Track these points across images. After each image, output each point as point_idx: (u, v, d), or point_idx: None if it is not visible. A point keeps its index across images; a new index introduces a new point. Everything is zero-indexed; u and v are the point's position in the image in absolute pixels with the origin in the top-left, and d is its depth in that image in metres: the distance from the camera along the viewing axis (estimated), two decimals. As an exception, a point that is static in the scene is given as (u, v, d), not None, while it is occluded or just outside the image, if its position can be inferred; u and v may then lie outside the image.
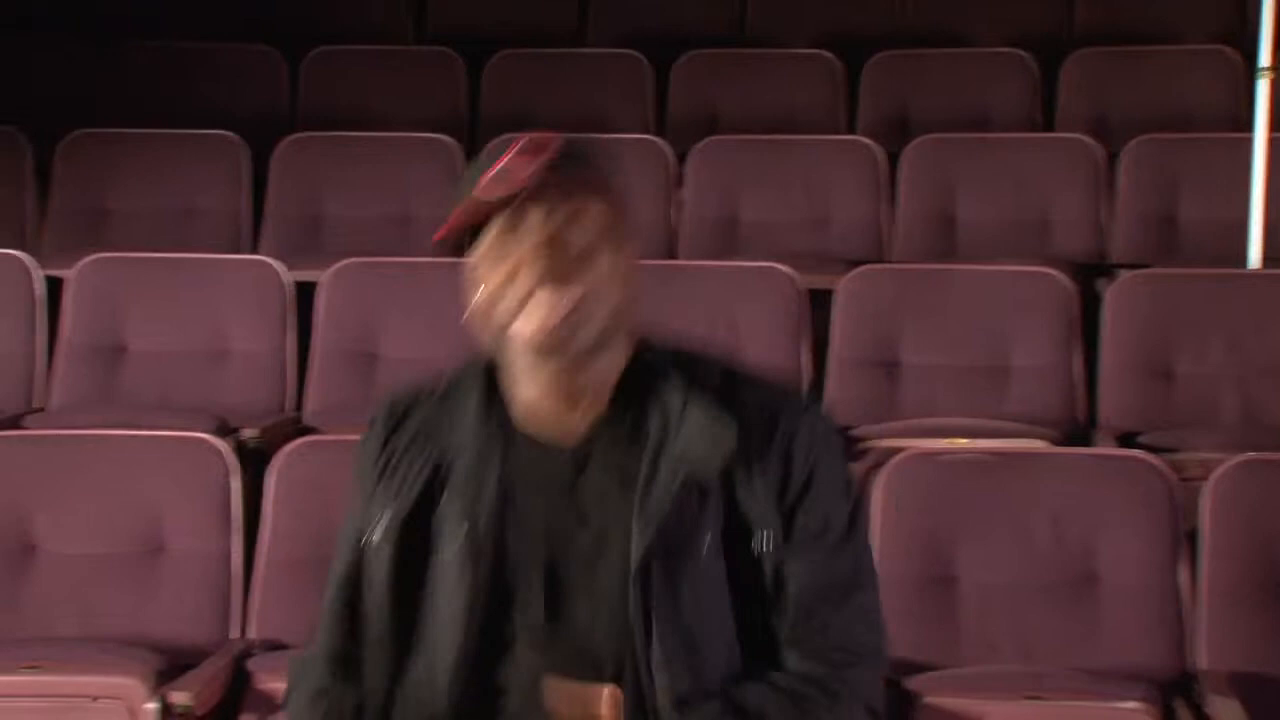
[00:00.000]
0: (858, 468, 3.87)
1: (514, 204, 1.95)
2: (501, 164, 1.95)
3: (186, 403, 4.77)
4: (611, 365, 2.05)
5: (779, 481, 2.04)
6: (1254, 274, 5.04)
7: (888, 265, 5.33)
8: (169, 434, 4.26)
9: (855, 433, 4.31)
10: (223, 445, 4.15)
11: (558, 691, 1.97)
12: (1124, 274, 5.03)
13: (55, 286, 5.07)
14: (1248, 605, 3.79)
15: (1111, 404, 4.73)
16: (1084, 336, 4.80)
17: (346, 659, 2.14)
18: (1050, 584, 3.80)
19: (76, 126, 5.83)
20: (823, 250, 5.43)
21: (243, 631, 4.00)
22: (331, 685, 2.16)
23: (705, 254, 5.47)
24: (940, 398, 4.58)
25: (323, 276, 5.03)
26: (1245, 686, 3.56)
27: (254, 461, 4.22)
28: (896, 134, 5.88)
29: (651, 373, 2.08)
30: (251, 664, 3.77)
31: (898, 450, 4.01)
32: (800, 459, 2.05)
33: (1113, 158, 5.64)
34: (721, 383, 2.09)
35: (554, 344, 1.98)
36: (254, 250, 5.55)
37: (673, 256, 5.51)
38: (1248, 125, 5.18)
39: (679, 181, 5.74)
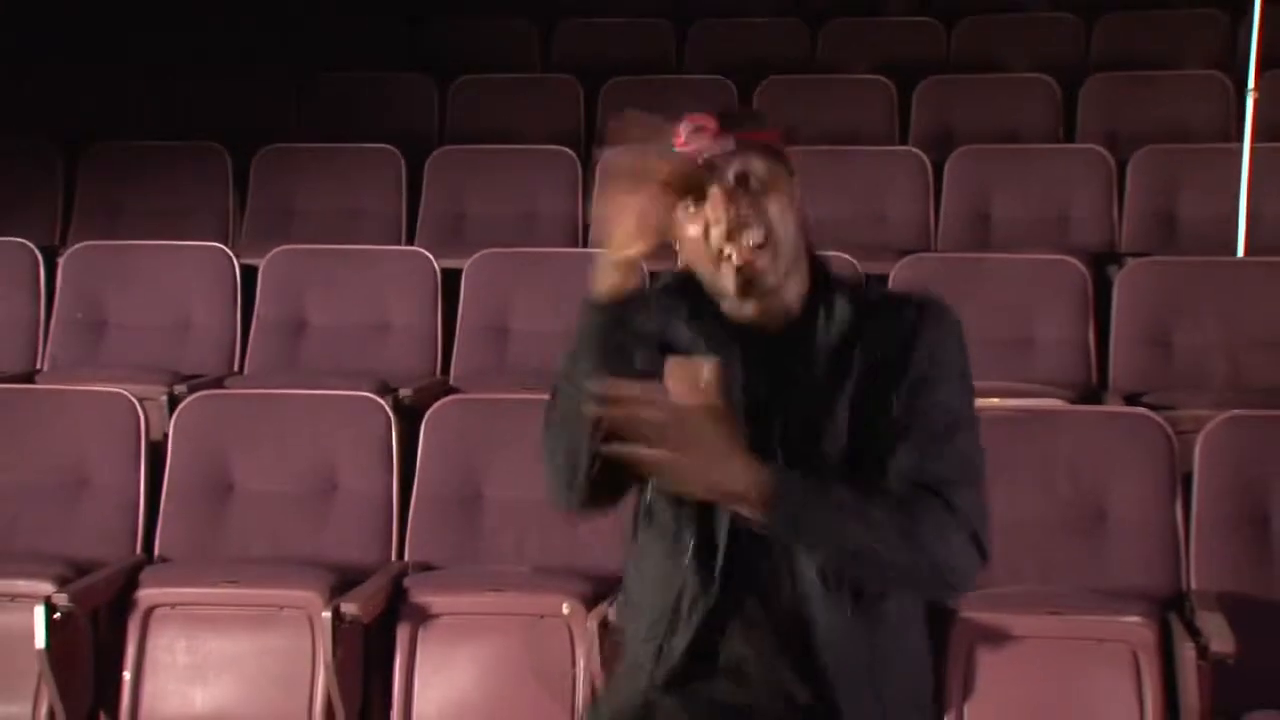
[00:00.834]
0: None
1: (703, 164, 2.05)
2: (686, 131, 2.06)
3: (354, 368, 4.87)
4: (796, 290, 2.15)
5: (918, 355, 2.11)
6: (1240, 261, 5.07)
7: (934, 254, 5.37)
8: (340, 393, 4.37)
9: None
10: (384, 402, 4.25)
11: (673, 367, 2.03)
12: (1131, 261, 5.06)
13: (250, 273, 5.18)
14: (1231, 537, 3.82)
15: (1120, 369, 4.76)
16: (1097, 314, 4.82)
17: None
18: (1066, 519, 3.86)
19: (269, 142, 5.93)
20: (879, 242, 5.43)
21: (399, 555, 4.08)
22: None
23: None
24: (976, 365, 4.49)
25: (465, 264, 5.14)
26: (1228, 603, 3.59)
27: (409, 416, 4.29)
28: (942, 145, 5.90)
29: (823, 290, 2.16)
30: (407, 582, 3.86)
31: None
32: (938, 352, 2.13)
33: (1122, 165, 5.64)
34: (868, 290, 2.25)
35: (755, 275, 2.07)
36: (410, 243, 5.64)
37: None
38: (1237, 137, 5.21)
39: None
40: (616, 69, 6.42)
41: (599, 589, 3.67)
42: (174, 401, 4.41)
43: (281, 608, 3.76)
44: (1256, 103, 5.10)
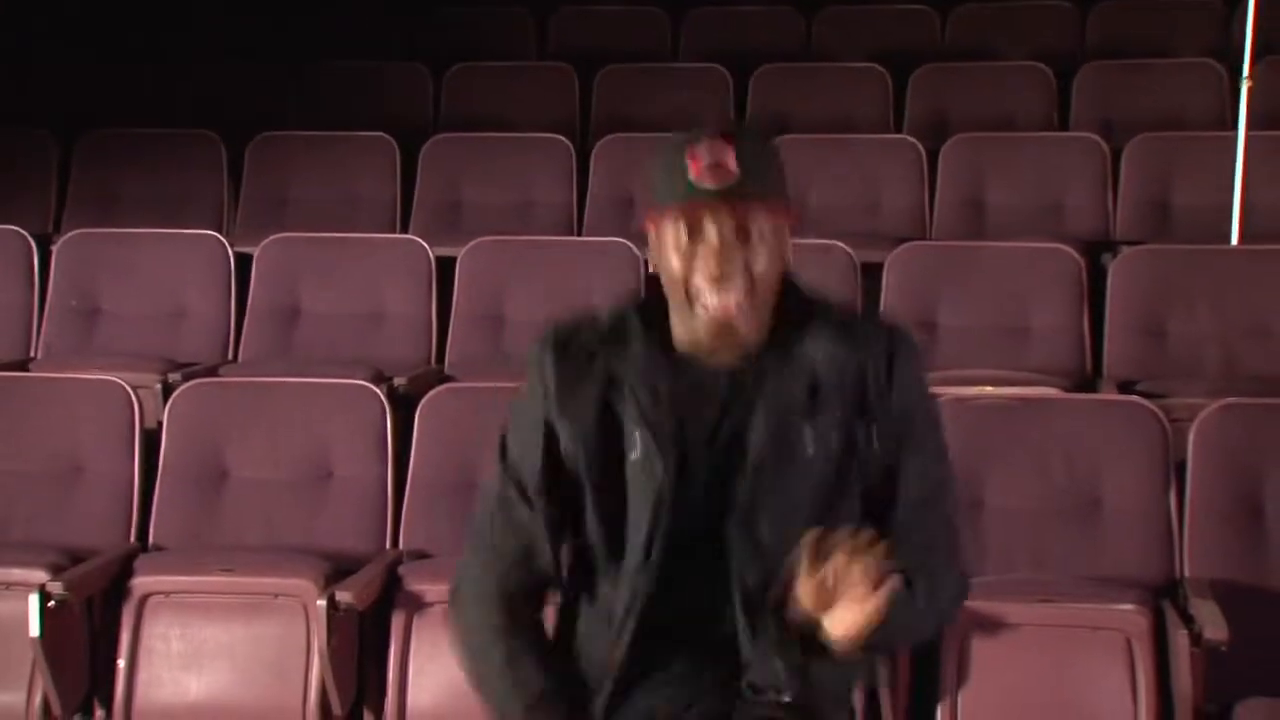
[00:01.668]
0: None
1: (721, 196, 2.02)
2: (702, 160, 2.02)
3: (349, 356, 4.85)
4: (765, 321, 2.12)
5: (890, 408, 2.11)
6: (1234, 250, 5.05)
7: (929, 242, 5.35)
8: (335, 381, 4.36)
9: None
10: (378, 391, 4.24)
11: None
12: (1125, 250, 5.06)
13: (245, 261, 5.16)
14: (1225, 525, 3.83)
15: (1114, 358, 4.75)
16: (1091, 302, 4.82)
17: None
18: (1060, 508, 3.85)
19: (264, 129, 5.92)
20: (874, 230, 5.43)
21: (394, 543, 4.08)
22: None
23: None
24: (970, 353, 4.57)
25: (460, 252, 5.11)
26: (1222, 591, 3.59)
27: (404, 404, 4.28)
28: (937, 133, 5.90)
29: (792, 317, 2.14)
30: (402, 570, 3.86)
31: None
32: (906, 379, 2.12)
33: (1117, 153, 5.64)
34: (845, 322, 2.18)
35: (729, 327, 2.06)
36: (404, 230, 5.63)
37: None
38: (1231, 125, 5.21)
39: None
40: (611, 57, 6.40)
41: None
42: (168, 390, 4.39)
43: (276, 596, 3.76)
44: (1251, 91, 5.09)
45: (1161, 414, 3.95)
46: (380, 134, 5.88)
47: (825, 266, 4.79)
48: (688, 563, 2.09)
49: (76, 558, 3.88)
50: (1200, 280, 4.87)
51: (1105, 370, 4.71)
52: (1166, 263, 4.95)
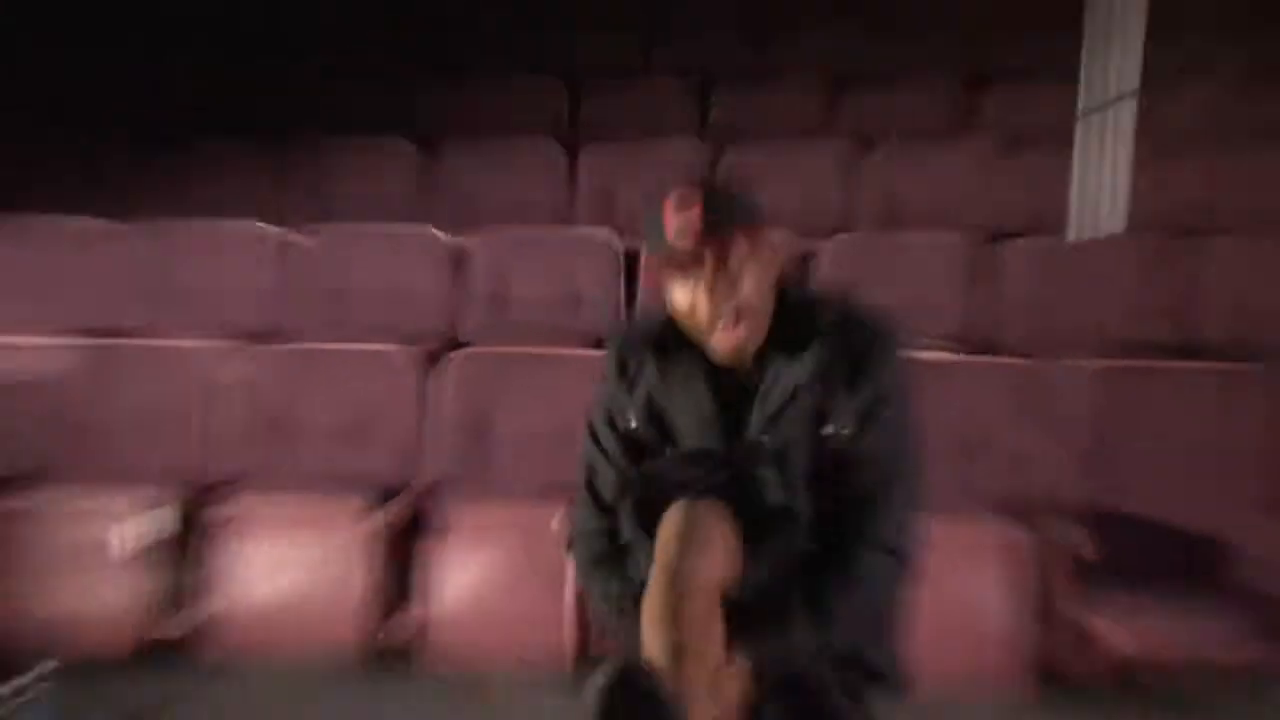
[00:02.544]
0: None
1: (693, 250, 2.17)
2: (673, 216, 2.18)
3: (388, 325, 4.90)
4: (765, 325, 2.26)
5: (861, 398, 2.23)
6: (1104, 241, 5.03)
7: (856, 234, 5.23)
8: (377, 347, 4.43)
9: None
10: (412, 354, 4.36)
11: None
12: (1015, 242, 5.04)
13: (291, 248, 5.13)
14: (1091, 461, 3.96)
15: (1005, 327, 4.85)
16: (989, 288, 4.91)
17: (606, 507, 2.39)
18: (959, 449, 4.00)
19: (299, 137, 5.83)
20: (810, 223, 5.38)
21: (423, 476, 4.21)
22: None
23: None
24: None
25: (473, 242, 5.16)
26: (1089, 512, 3.80)
27: (430, 363, 4.37)
28: (864, 139, 5.82)
29: (791, 317, 2.27)
30: (430, 497, 4.00)
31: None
32: (877, 382, 2.23)
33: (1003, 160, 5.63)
34: (834, 321, 2.29)
35: (734, 356, 2.25)
36: (423, 220, 5.49)
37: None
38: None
39: (715, 164, 5.71)
40: (598, 72, 6.37)
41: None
42: (236, 353, 4.47)
43: (334, 516, 3.86)
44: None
45: (1043, 373, 4.06)
46: (402, 140, 5.83)
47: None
48: None
49: (166, 489, 4.00)
50: (1076, 264, 4.92)
51: (997, 338, 4.80)
52: (1047, 252, 4.98)
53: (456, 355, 4.35)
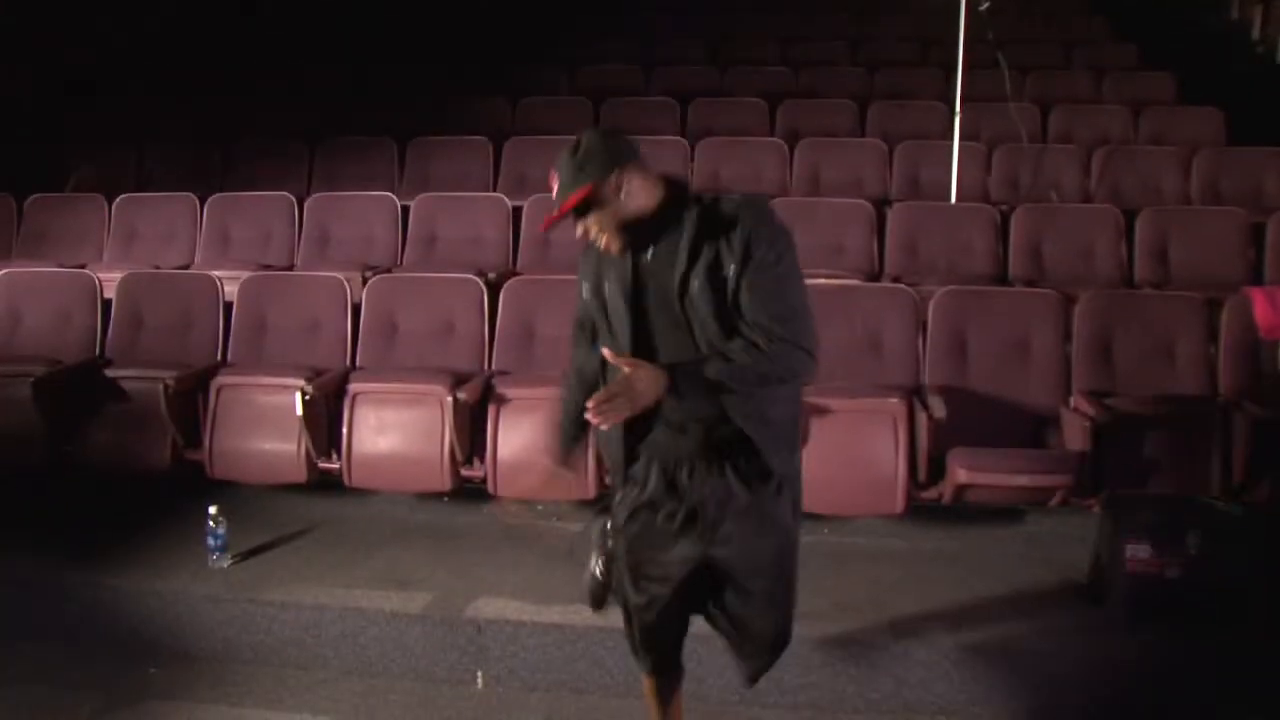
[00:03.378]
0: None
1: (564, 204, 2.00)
2: (554, 189, 2.02)
3: (463, 260, 4.54)
4: (649, 224, 2.01)
5: (743, 249, 1.95)
6: (952, 205, 4.75)
7: (791, 198, 4.87)
8: (455, 275, 4.09)
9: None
10: (479, 281, 4.02)
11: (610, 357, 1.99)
12: (898, 204, 4.74)
13: (405, 210, 4.88)
14: (945, 355, 3.68)
15: (890, 263, 4.50)
16: (878, 233, 4.57)
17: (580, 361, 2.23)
18: (860, 347, 3.70)
19: (416, 135, 5.57)
20: (758, 190, 4.84)
21: (489, 366, 3.89)
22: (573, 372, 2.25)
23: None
24: (814, 261, 4.08)
25: (526, 203, 4.80)
26: (943, 391, 3.51)
27: (494, 287, 4.03)
28: (795, 139, 5.42)
29: (674, 207, 2.02)
30: (493, 381, 3.66)
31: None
32: (754, 235, 1.95)
33: (891, 151, 5.25)
34: (711, 202, 2.02)
35: (612, 246, 2.02)
36: (494, 190, 5.27)
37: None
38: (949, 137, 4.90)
39: (691, 158, 5.30)
40: (611, 92, 6.05)
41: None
42: (365, 281, 4.15)
43: (425, 395, 3.58)
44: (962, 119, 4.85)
45: (915, 295, 3.78)
46: (481, 138, 5.54)
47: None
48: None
49: (319, 373, 3.72)
50: (936, 222, 4.61)
51: (885, 270, 4.50)
52: (915, 212, 4.67)
53: (511, 282, 4.05)
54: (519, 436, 3.55)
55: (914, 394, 3.49)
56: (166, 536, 3.47)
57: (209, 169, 5.50)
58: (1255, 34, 6.82)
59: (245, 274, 4.21)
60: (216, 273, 4.21)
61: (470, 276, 4.06)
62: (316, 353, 3.95)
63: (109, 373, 3.77)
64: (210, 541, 3.31)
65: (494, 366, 3.90)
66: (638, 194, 2.00)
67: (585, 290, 2.13)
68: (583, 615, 2.91)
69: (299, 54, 6.65)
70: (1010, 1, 5.17)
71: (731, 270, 1.94)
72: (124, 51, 6.80)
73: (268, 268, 4.54)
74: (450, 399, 3.50)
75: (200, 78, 6.36)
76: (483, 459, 3.59)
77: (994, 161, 5.16)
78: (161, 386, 3.62)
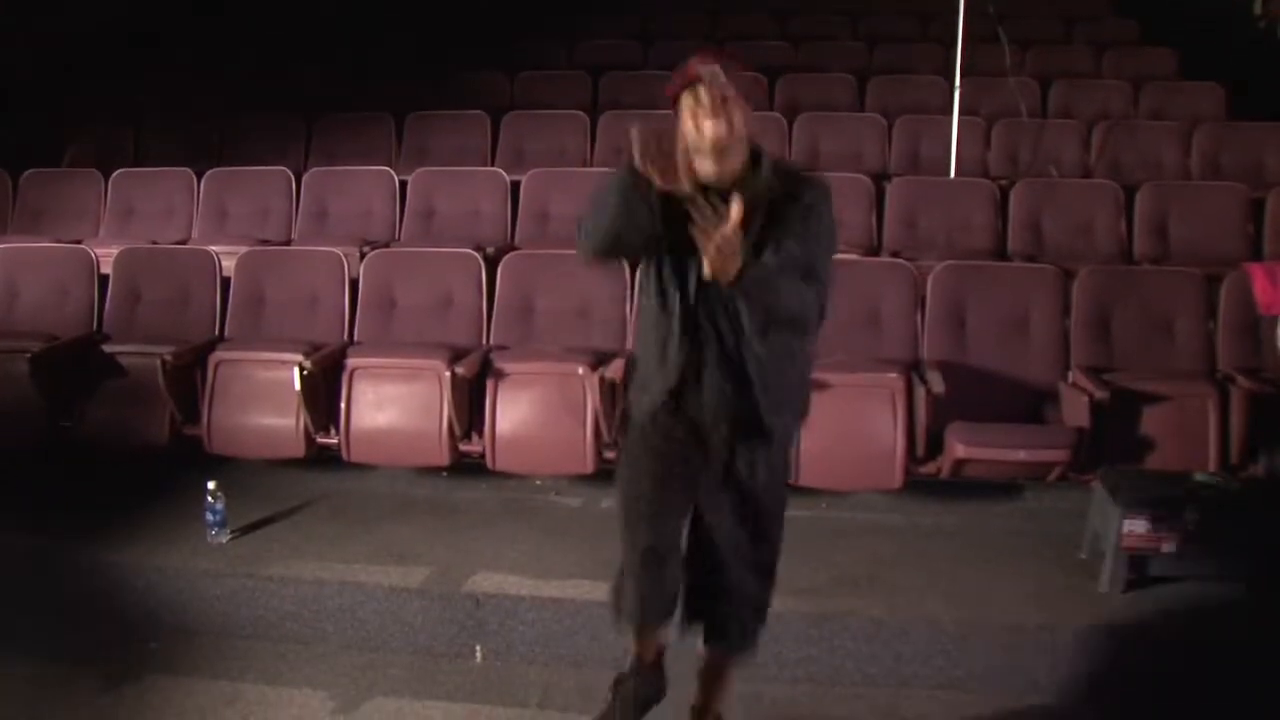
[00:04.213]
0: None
1: (705, 79, 1.98)
2: (704, 66, 1.99)
3: (461, 235, 4.49)
4: (740, 162, 2.02)
5: (801, 216, 2.03)
6: (951, 180, 4.70)
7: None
8: (453, 250, 4.03)
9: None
10: (478, 255, 3.96)
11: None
12: (896, 179, 4.66)
13: (404, 185, 4.80)
14: (944, 330, 3.65)
15: (889, 238, 4.44)
16: (877, 209, 4.50)
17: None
18: (859, 321, 3.65)
19: (414, 110, 5.49)
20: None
21: (487, 341, 3.84)
22: None
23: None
24: None
25: (524, 177, 4.73)
26: (941, 366, 3.47)
27: (492, 261, 3.97)
28: (794, 112, 5.33)
29: (755, 163, 2.04)
30: (491, 356, 3.60)
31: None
32: (813, 209, 2.04)
33: (890, 127, 5.17)
34: (784, 170, 2.08)
35: (716, 154, 1.98)
36: (492, 165, 5.20)
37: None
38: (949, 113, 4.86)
39: None
40: (613, 67, 5.95)
41: (601, 361, 3.49)
42: (363, 255, 4.10)
43: (423, 369, 3.54)
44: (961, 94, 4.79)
45: (914, 269, 3.73)
46: (479, 112, 5.44)
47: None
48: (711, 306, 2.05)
49: (317, 348, 3.66)
50: (935, 196, 4.54)
51: (885, 245, 4.43)
52: (915, 187, 4.60)
53: (510, 256, 3.98)
54: (517, 411, 3.50)
55: (912, 369, 3.45)
56: (165, 512, 3.43)
57: (206, 144, 5.43)
58: (1256, 8, 6.73)
59: (243, 249, 4.16)
60: (214, 248, 4.15)
61: (468, 251, 3.99)
62: (315, 328, 3.89)
63: (106, 348, 3.73)
64: (209, 517, 3.28)
65: (492, 341, 3.84)
66: (744, 132, 2.04)
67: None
68: (581, 589, 2.93)
69: (297, 28, 6.55)
70: (1010, -24, 5.09)
71: (786, 229, 2.01)
72: (120, 25, 6.69)
73: (265, 243, 4.48)
74: (448, 374, 3.44)
75: (198, 52, 6.27)
76: (481, 434, 3.54)
77: (993, 136, 5.10)
78: (159, 362, 3.57)
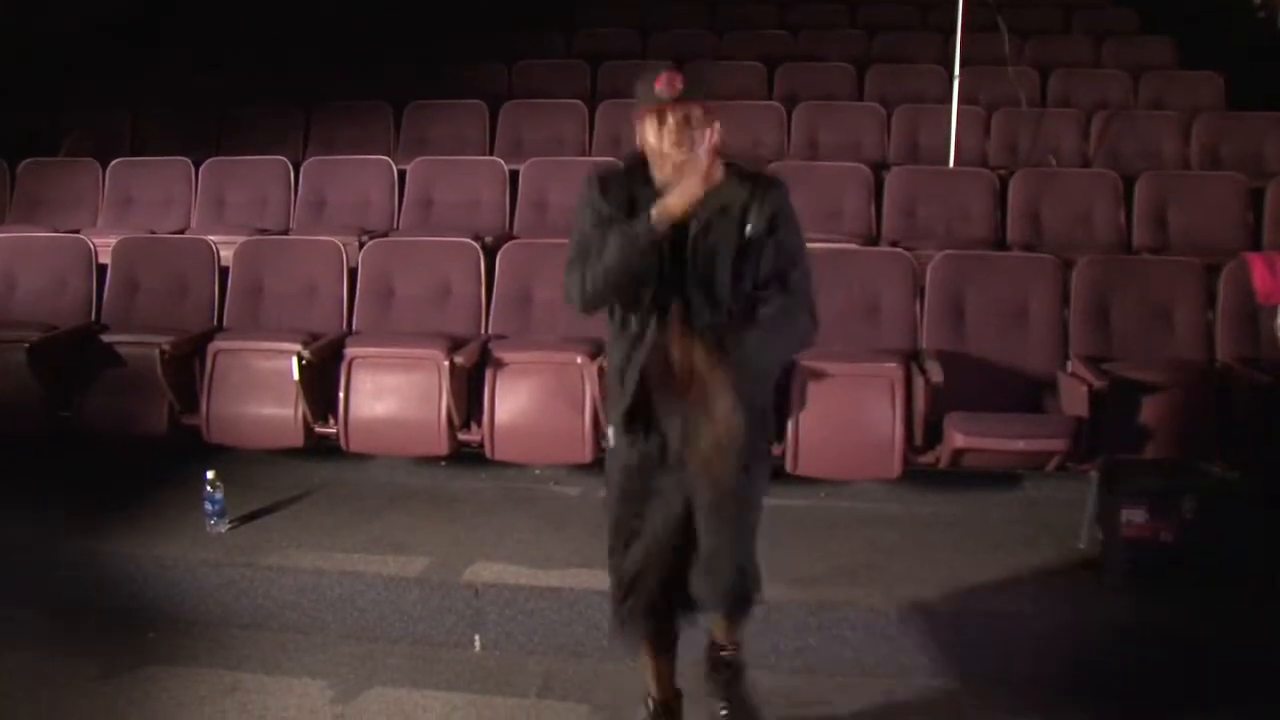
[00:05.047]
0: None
1: (670, 103, 2.01)
2: (663, 83, 2.01)
3: (460, 224, 4.44)
4: (715, 176, 2.06)
5: (768, 218, 2.09)
6: (950, 169, 4.65)
7: (789, 161, 4.77)
8: (452, 239, 4.00)
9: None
10: (476, 244, 3.92)
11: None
12: (895, 169, 4.62)
13: (402, 175, 4.75)
14: (943, 320, 3.62)
15: (888, 227, 4.40)
16: (876, 198, 4.46)
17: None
18: (858, 311, 3.63)
19: (412, 100, 5.45)
20: (757, 155, 4.90)
21: (486, 330, 3.81)
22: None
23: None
24: (811, 225, 4.14)
25: (523, 166, 4.69)
26: (939, 355, 3.44)
27: (491, 251, 3.93)
28: (794, 101, 5.31)
29: (725, 172, 2.08)
30: (490, 345, 3.58)
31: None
32: (778, 209, 2.10)
33: (888, 119, 5.15)
34: (749, 175, 2.13)
35: (685, 170, 2.02)
36: (490, 154, 5.14)
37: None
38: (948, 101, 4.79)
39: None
40: (609, 55, 5.90)
41: (599, 350, 3.41)
42: (361, 245, 4.05)
43: (422, 359, 3.51)
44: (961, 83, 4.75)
45: (913, 259, 3.70)
46: (478, 101, 5.39)
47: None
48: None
49: (316, 337, 3.64)
50: (934, 186, 4.51)
51: (883, 234, 4.40)
52: (913, 177, 4.56)
53: (508, 245, 3.95)
54: (516, 400, 3.48)
55: (911, 358, 3.43)
56: (164, 502, 3.42)
57: (204, 133, 5.39)
58: (1255, -2, 6.68)
59: (241, 238, 4.12)
60: (212, 237, 4.12)
61: (467, 240, 3.96)
62: (313, 317, 3.86)
63: (105, 338, 3.71)
64: (208, 506, 3.26)
65: (491, 330, 3.81)
66: (712, 152, 2.08)
67: (599, 216, 2.11)
68: (580, 579, 2.91)
69: (296, 18, 6.49)
70: (1010, -35, 5.04)
71: (750, 231, 2.07)
72: (118, 13, 6.63)
73: (264, 232, 4.44)
74: (447, 363, 3.41)
75: (195, 42, 6.22)
76: (480, 423, 3.51)
77: (993, 126, 5.06)
78: (157, 351, 3.55)
